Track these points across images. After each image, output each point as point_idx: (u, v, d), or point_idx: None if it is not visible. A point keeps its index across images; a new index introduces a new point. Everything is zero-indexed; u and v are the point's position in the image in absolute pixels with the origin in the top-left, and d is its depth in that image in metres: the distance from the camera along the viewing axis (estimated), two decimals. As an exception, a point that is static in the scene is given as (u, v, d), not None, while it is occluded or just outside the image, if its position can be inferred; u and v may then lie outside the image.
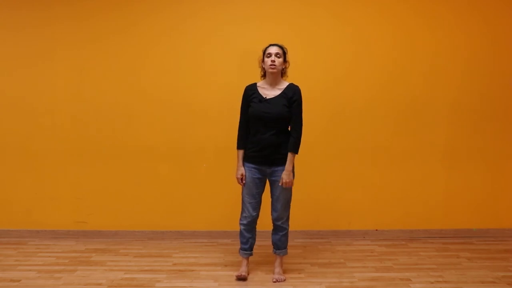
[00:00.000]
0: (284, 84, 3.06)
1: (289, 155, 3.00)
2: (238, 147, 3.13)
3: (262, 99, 3.02)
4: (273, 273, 3.18)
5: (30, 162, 4.03)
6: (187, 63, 3.98)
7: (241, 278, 3.13)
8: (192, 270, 3.33)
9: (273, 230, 3.18)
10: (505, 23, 3.99)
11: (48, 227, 4.08)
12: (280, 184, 3.00)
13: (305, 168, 3.97)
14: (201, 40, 3.97)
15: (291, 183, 3.01)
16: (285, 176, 2.98)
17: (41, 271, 3.29)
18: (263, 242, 3.73)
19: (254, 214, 3.11)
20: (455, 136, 4.04)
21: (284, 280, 3.13)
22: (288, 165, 2.99)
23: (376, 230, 4.10)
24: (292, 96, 3.01)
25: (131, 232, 4.08)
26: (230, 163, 3.87)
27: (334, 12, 3.96)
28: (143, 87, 3.99)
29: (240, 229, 3.17)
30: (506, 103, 4.04)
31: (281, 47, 3.05)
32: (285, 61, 3.06)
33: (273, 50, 3.01)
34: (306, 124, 3.98)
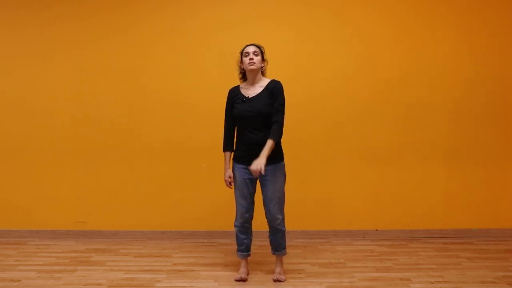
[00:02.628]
0: (265, 81, 3.06)
1: (268, 141, 2.88)
2: (224, 150, 3.14)
3: (244, 99, 3.02)
4: (274, 273, 3.18)
5: (30, 162, 4.04)
6: (187, 63, 3.98)
7: (241, 280, 3.13)
8: (192, 270, 3.32)
9: (269, 231, 3.14)
10: (505, 23, 3.99)
11: (48, 227, 4.08)
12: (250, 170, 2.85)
13: (305, 168, 3.99)
14: (201, 40, 3.97)
15: (257, 172, 2.82)
16: (254, 163, 2.83)
17: (41, 271, 3.29)
18: (263, 242, 3.72)
19: (247, 215, 3.08)
20: (455, 136, 4.04)
21: (284, 280, 3.13)
22: (263, 152, 2.85)
23: (376, 230, 4.10)
24: (273, 89, 3.00)
25: (131, 232, 4.08)
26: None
27: (334, 12, 3.96)
28: (143, 87, 4.00)
29: (235, 232, 3.15)
30: (506, 103, 4.04)
31: (258, 46, 3.05)
32: (263, 59, 3.06)
33: (251, 49, 3.01)
34: (307, 124, 3.99)
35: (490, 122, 4.04)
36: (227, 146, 3.14)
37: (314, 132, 3.99)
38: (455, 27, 3.98)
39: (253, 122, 2.97)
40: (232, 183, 3.08)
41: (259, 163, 2.83)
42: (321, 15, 3.96)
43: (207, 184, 4.03)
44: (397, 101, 4.00)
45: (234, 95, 3.08)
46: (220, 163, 3.92)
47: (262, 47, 3.08)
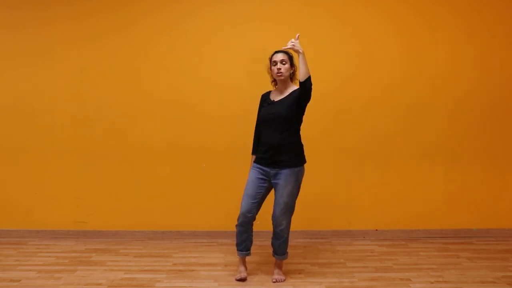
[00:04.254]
0: (293, 88, 3.08)
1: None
2: (252, 153, 3.25)
3: (270, 102, 3.08)
4: (273, 273, 3.18)
5: (30, 162, 4.03)
6: (187, 63, 3.98)
7: (241, 280, 3.12)
8: (192, 270, 3.32)
9: (272, 235, 3.15)
10: (505, 23, 3.99)
11: (48, 227, 4.08)
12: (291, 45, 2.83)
13: (305, 168, 3.98)
14: (201, 40, 3.97)
15: (296, 45, 2.81)
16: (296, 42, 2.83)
17: (41, 271, 3.29)
18: (263, 242, 3.73)
19: (249, 215, 3.06)
20: (455, 136, 4.04)
21: (284, 280, 3.13)
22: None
23: (376, 230, 4.10)
24: (295, 92, 3.02)
25: (131, 232, 4.08)
26: (230, 163, 3.89)
27: (334, 12, 3.96)
28: (143, 87, 4.00)
29: (236, 231, 3.14)
30: (506, 103, 4.04)
31: (286, 53, 3.05)
32: (292, 66, 3.07)
33: (278, 57, 3.02)
34: (307, 124, 3.98)
35: (490, 122, 4.04)
36: (254, 150, 3.24)
37: (314, 132, 3.98)
38: (455, 27, 3.98)
39: (274, 124, 3.00)
40: None
41: (298, 45, 2.83)
42: (321, 15, 3.96)
43: (207, 184, 4.03)
44: (397, 101, 4.01)
45: (264, 99, 3.17)
46: (220, 163, 3.96)
47: (291, 53, 3.07)
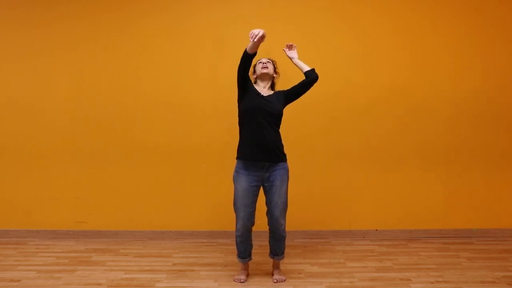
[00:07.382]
0: (276, 91, 3.13)
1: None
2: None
3: (259, 94, 3.01)
4: (272, 274, 3.18)
5: (30, 162, 4.03)
6: (187, 64, 3.99)
7: (240, 281, 3.11)
8: (192, 270, 3.32)
9: (271, 237, 3.11)
10: (509, 24, 3.99)
11: (48, 227, 4.08)
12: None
13: (305, 168, 3.99)
14: (201, 40, 3.97)
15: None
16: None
17: (41, 271, 3.29)
18: (263, 242, 3.71)
19: (249, 224, 3.01)
20: (455, 137, 4.04)
21: (284, 280, 3.12)
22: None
23: (376, 230, 4.10)
24: (283, 90, 3.10)
25: (131, 232, 4.08)
26: (230, 163, 3.87)
27: (336, 13, 3.97)
28: (142, 87, 4.00)
29: (237, 241, 3.08)
30: (506, 103, 4.04)
31: (270, 59, 3.14)
32: (275, 72, 3.12)
33: (264, 59, 3.11)
34: (307, 124, 4.00)
35: (491, 123, 4.04)
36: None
37: (314, 132, 3.99)
38: (457, 28, 3.99)
39: (267, 119, 2.93)
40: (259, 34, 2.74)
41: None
42: (323, 16, 3.96)
43: (207, 184, 4.03)
44: (398, 102, 4.01)
45: (249, 81, 3.04)
46: (220, 163, 3.95)
47: (275, 61, 3.15)
